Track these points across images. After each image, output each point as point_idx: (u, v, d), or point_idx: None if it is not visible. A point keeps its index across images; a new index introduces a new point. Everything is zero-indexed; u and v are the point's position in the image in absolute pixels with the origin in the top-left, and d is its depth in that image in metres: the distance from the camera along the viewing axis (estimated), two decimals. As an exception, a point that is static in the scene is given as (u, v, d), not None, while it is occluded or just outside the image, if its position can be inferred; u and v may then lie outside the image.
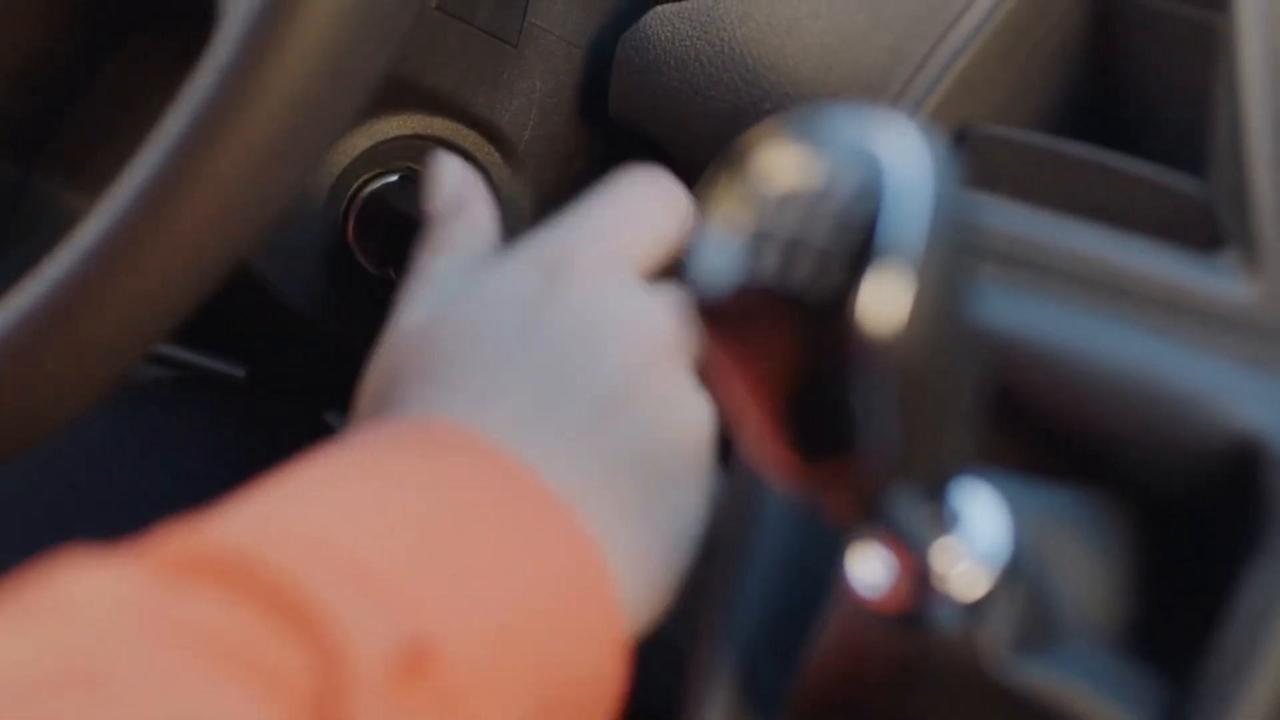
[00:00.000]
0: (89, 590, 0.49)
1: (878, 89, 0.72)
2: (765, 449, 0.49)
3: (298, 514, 0.54)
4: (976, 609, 0.53)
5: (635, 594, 0.59)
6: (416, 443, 0.58)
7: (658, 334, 0.62)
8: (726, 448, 0.62)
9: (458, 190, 0.69)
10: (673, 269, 0.64)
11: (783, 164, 0.47)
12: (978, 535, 0.53)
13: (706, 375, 0.59)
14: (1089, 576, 0.58)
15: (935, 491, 0.52)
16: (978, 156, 0.68)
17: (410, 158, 0.89)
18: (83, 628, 0.47)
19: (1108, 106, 0.71)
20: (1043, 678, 0.54)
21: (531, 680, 0.54)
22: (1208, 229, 0.62)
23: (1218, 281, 0.60)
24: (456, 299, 0.63)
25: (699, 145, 0.78)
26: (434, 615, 0.52)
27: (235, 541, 0.51)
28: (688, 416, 0.61)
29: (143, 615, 0.48)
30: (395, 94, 0.85)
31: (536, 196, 0.89)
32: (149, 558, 0.51)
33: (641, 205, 0.66)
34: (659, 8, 0.80)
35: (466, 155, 0.88)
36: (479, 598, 0.53)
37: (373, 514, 0.54)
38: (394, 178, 0.89)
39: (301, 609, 0.49)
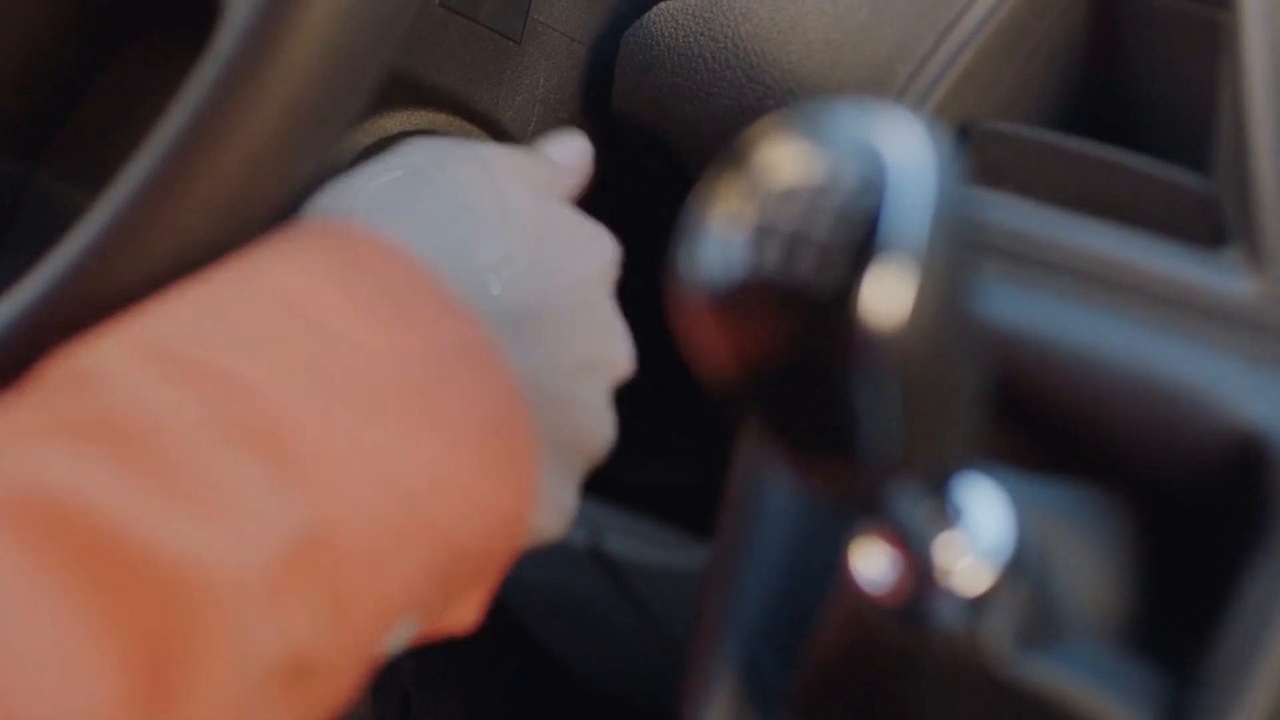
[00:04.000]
0: None
1: (881, 85, 0.72)
2: (768, 443, 0.49)
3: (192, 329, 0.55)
4: (979, 604, 0.53)
5: (547, 463, 0.61)
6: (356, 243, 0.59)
7: (598, 253, 0.66)
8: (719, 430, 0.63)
9: (570, 153, 0.73)
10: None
11: (786, 159, 0.47)
12: (980, 531, 0.53)
13: (708, 369, 0.59)
14: (1091, 572, 0.58)
15: (938, 487, 0.52)
16: (980, 152, 0.68)
17: (413, 155, 0.89)
18: None
19: (1111, 102, 0.71)
20: (1045, 673, 0.54)
21: (429, 549, 0.55)
22: (1211, 225, 0.62)
23: (1221, 278, 0.60)
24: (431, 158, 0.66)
25: (702, 141, 0.78)
26: (339, 498, 0.52)
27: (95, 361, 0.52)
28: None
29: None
30: (398, 90, 0.85)
31: (539, 194, 0.89)
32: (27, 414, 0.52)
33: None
34: (662, 4, 0.80)
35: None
36: (395, 465, 0.54)
37: (288, 357, 0.55)
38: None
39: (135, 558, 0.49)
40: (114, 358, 0.53)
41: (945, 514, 0.52)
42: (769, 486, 0.62)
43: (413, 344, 0.56)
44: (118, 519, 0.49)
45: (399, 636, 0.56)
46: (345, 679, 0.54)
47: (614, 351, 0.65)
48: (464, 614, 0.59)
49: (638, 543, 1.12)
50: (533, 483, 0.58)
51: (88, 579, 0.48)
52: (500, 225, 0.63)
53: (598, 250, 0.66)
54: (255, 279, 0.57)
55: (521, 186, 0.66)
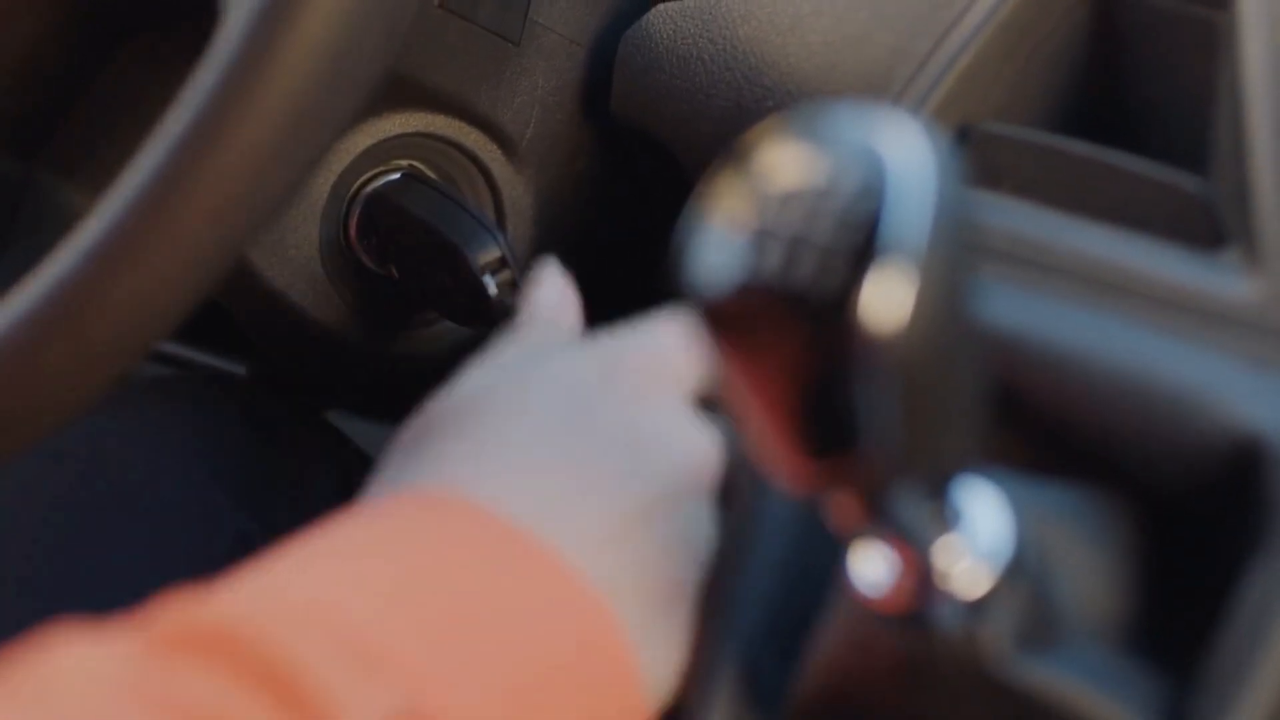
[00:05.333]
0: (79, 667, 0.48)
1: (880, 87, 0.72)
2: (768, 447, 0.49)
3: (299, 585, 0.53)
4: (978, 607, 0.53)
5: (650, 675, 0.58)
6: (435, 517, 0.57)
7: (697, 460, 0.61)
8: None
9: (552, 298, 0.69)
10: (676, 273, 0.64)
11: (785, 162, 0.47)
12: (980, 533, 0.53)
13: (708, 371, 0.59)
14: (1091, 575, 0.58)
15: (937, 489, 0.52)
16: (980, 154, 0.68)
17: (412, 156, 0.89)
18: (71, 704, 0.47)
19: (1110, 104, 0.71)
20: (1045, 676, 0.54)
21: None
22: (1210, 227, 0.62)
23: (1219, 280, 0.60)
24: (512, 373, 0.63)
25: (701, 143, 0.78)
26: (434, 686, 0.51)
27: (230, 613, 0.50)
28: (704, 541, 0.61)
29: (131, 691, 0.48)
30: (397, 92, 0.85)
31: (538, 194, 0.89)
32: (142, 633, 0.50)
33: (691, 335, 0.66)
34: (661, 6, 0.80)
35: (468, 153, 0.88)
36: (483, 671, 0.53)
37: (379, 587, 0.53)
38: (396, 176, 0.89)
39: (292, 682, 0.48)
40: (291, 635, 0.51)
41: (945, 516, 0.52)
42: (769, 489, 0.62)
43: (548, 641, 0.55)
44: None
45: None
46: None
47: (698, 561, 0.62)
48: None
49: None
50: (635, 705, 0.57)
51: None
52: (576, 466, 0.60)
53: (679, 456, 0.62)
54: (402, 555, 0.55)
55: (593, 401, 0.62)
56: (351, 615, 0.52)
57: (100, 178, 0.75)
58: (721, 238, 0.47)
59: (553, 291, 0.70)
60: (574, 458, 0.60)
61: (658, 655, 0.58)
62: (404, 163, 0.89)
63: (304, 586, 0.53)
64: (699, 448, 0.62)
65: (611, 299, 0.74)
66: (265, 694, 0.48)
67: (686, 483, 0.61)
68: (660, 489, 0.60)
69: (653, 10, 0.80)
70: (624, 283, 0.82)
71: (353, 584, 0.53)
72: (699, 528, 0.61)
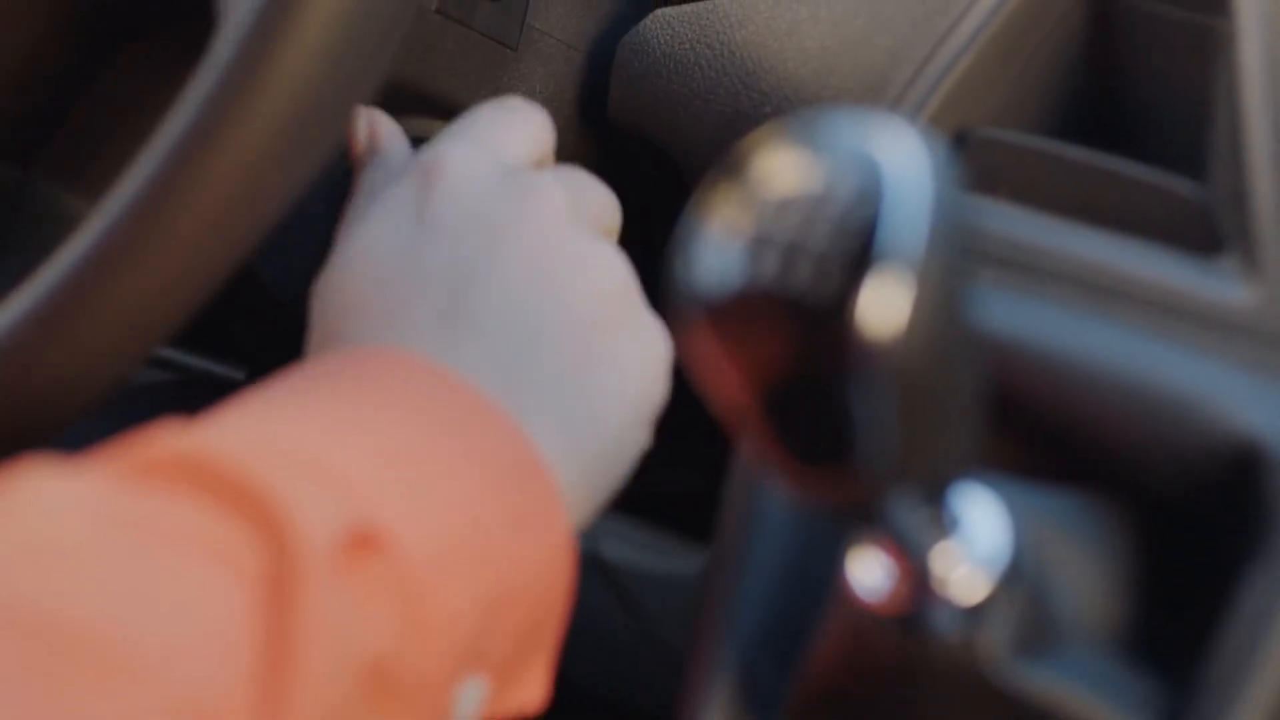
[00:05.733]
0: (51, 491, 0.51)
1: (877, 93, 0.72)
2: (765, 452, 0.49)
3: (258, 421, 0.57)
4: (976, 613, 0.53)
5: (578, 506, 0.62)
6: (384, 363, 0.61)
7: (621, 279, 0.65)
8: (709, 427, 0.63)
9: (369, 130, 0.73)
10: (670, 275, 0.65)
11: (782, 168, 0.47)
12: (977, 539, 0.53)
13: (705, 378, 0.59)
14: (1089, 580, 0.58)
15: (935, 495, 0.52)
16: (977, 160, 0.68)
17: (410, 161, 0.89)
18: (41, 523, 0.50)
19: (1107, 110, 0.71)
20: (1042, 682, 0.54)
21: (481, 578, 0.56)
22: (1207, 233, 0.62)
23: (1217, 285, 0.60)
24: (394, 231, 0.66)
25: (698, 149, 0.78)
26: (388, 508, 0.54)
27: (192, 444, 0.53)
28: (648, 343, 0.65)
29: (101, 508, 0.51)
30: (395, 97, 0.85)
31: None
32: (109, 463, 0.53)
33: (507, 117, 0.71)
34: (659, 11, 0.80)
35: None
36: (432, 497, 0.56)
37: (330, 421, 0.57)
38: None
39: (253, 497, 0.51)
40: (251, 457, 0.54)
41: (942, 522, 0.52)
42: (767, 494, 0.62)
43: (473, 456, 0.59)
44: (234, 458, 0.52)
45: (470, 698, 0.57)
46: (419, 708, 0.55)
47: (656, 389, 0.66)
48: (531, 684, 0.60)
49: (635, 549, 1.12)
50: (564, 527, 0.60)
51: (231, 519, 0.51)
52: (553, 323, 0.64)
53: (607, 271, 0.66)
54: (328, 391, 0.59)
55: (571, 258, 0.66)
56: (305, 444, 0.55)
57: (98, 183, 0.75)
58: (718, 244, 0.47)
59: (365, 125, 0.74)
60: (527, 317, 0.63)
61: (581, 489, 0.62)
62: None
63: (259, 421, 0.57)
64: (619, 269, 0.65)
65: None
66: (230, 507, 0.51)
67: (622, 303, 0.64)
68: (602, 315, 0.64)
69: (650, 15, 0.80)
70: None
71: (305, 420, 0.57)
72: (651, 342, 0.64)
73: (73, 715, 0.46)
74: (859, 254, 0.45)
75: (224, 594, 0.50)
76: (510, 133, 0.70)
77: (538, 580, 0.58)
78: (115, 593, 0.49)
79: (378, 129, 0.74)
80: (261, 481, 0.52)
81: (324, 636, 0.50)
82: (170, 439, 0.54)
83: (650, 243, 0.73)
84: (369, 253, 0.66)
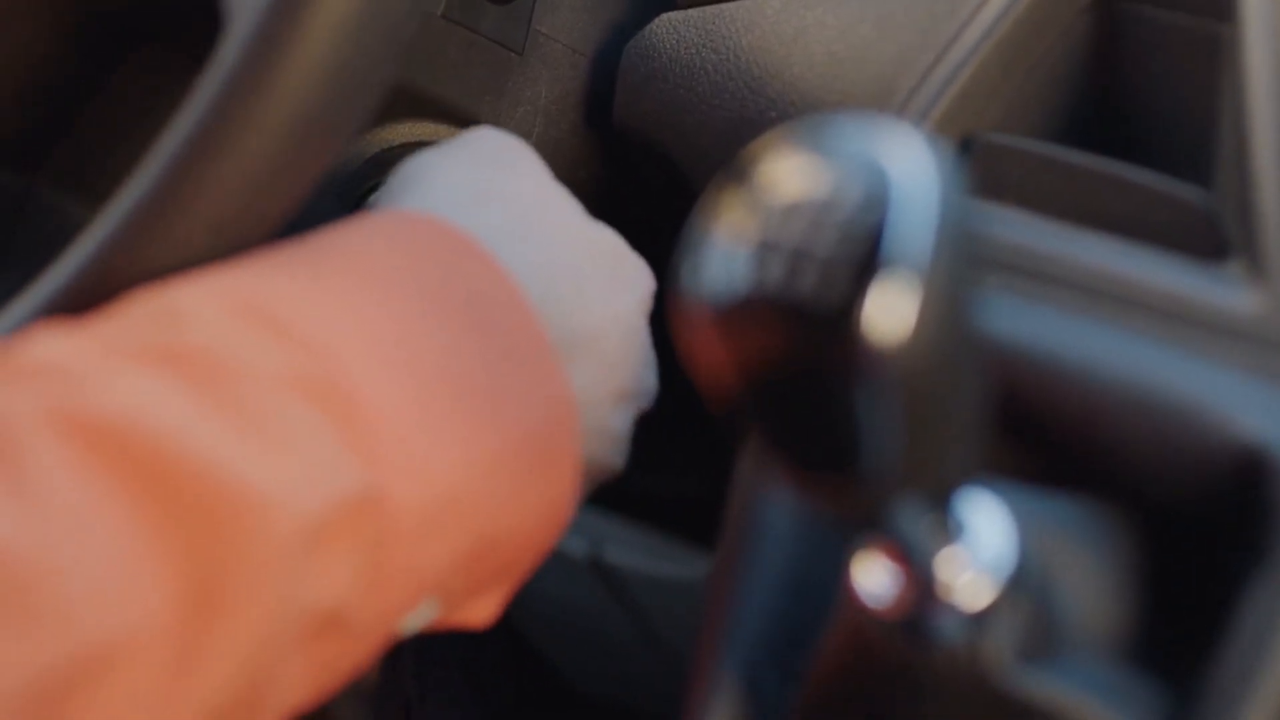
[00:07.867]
0: (42, 349, 0.53)
1: (883, 99, 0.72)
2: (769, 458, 0.49)
3: (231, 276, 0.58)
4: (981, 619, 0.53)
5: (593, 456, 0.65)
6: (403, 224, 0.63)
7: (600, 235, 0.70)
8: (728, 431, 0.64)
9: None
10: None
11: (788, 174, 0.47)
12: (982, 545, 0.53)
13: (710, 383, 0.59)
14: (1093, 586, 0.58)
15: (940, 501, 0.52)
16: (983, 166, 0.68)
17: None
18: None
19: (1112, 116, 0.71)
20: (1047, 687, 0.54)
21: (468, 530, 0.57)
22: (1212, 239, 0.62)
23: (1222, 292, 0.60)
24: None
25: (704, 154, 0.78)
26: (351, 364, 0.55)
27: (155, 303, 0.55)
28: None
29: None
30: (401, 102, 0.85)
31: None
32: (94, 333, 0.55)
33: None
34: (665, 16, 0.80)
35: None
36: (403, 360, 0.57)
37: (306, 276, 0.58)
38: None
39: (198, 352, 0.53)
40: (205, 303, 0.56)
41: (947, 528, 0.52)
42: (771, 499, 0.62)
43: (491, 344, 0.60)
44: (187, 444, 0.52)
45: (420, 616, 0.58)
46: (365, 645, 0.56)
47: (645, 384, 0.69)
48: (480, 609, 0.61)
49: (638, 554, 1.12)
50: (570, 491, 0.61)
51: (155, 498, 0.51)
52: (565, 249, 0.67)
53: (642, 282, 0.70)
54: (351, 255, 0.60)
55: (575, 206, 0.70)
56: (273, 293, 0.56)
57: (101, 191, 0.75)
58: (724, 249, 0.47)
59: None
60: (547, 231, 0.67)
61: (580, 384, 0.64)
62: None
63: (236, 276, 0.58)
64: (642, 274, 0.70)
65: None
66: (167, 368, 0.52)
67: (605, 248, 0.68)
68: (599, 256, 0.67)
69: (656, 20, 0.80)
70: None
71: (279, 271, 0.58)
72: (640, 350, 0.68)
73: None
74: (865, 260, 0.45)
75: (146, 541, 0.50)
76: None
77: (528, 529, 0.60)
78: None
79: None
80: (213, 334, 0.53)
81: (266, 592, 0.51)
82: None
83: (655, 248, 0.73)
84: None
